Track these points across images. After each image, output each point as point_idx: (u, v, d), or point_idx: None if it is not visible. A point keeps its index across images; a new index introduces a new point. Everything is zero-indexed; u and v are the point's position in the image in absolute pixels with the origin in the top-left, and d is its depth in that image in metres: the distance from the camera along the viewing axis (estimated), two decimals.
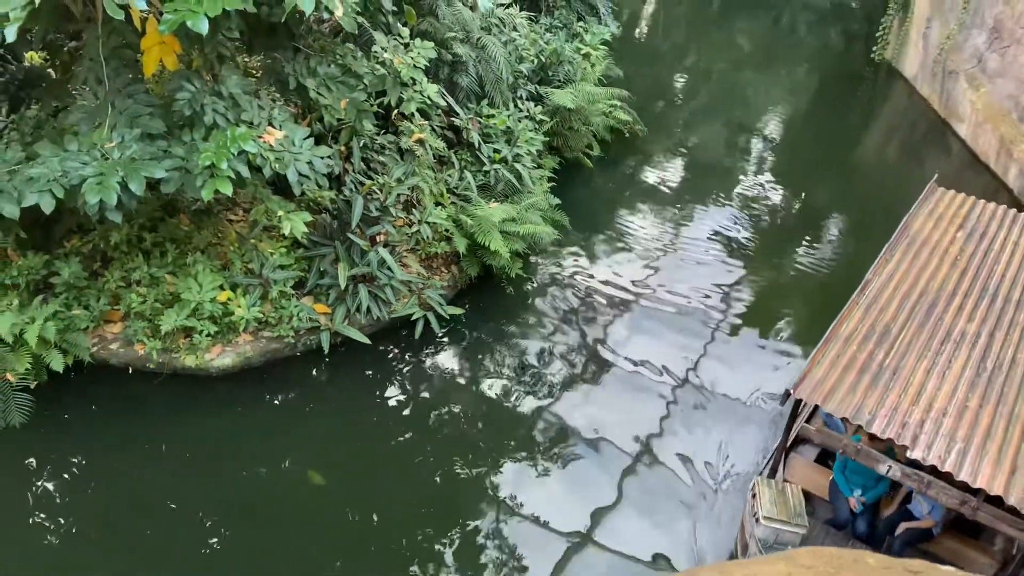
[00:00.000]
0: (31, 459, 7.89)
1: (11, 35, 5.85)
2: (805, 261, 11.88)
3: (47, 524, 7.34)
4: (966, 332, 7.27)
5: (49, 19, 7.50)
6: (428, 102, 9.62)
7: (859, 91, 17.75)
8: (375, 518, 7.69)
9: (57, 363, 8.02)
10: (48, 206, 6.73)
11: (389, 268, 9.28)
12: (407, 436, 8.49)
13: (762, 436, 8.77)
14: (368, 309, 9.11)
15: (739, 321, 10.36)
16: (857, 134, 16.04)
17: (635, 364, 9.54)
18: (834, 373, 6.77)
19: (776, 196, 13.32)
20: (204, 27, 6.36)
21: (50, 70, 9.50)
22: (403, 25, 9.78)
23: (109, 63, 7.19)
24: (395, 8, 8.99)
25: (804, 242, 12.19)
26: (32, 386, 8.01)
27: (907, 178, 14.52)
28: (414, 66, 9.26)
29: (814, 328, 10.24)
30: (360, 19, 8.82)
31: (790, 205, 13.22)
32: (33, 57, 9.88)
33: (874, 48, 17.94)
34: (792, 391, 6.65)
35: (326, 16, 8.33)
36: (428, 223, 9.88)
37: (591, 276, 10.94)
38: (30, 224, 8.08)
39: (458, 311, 9.70)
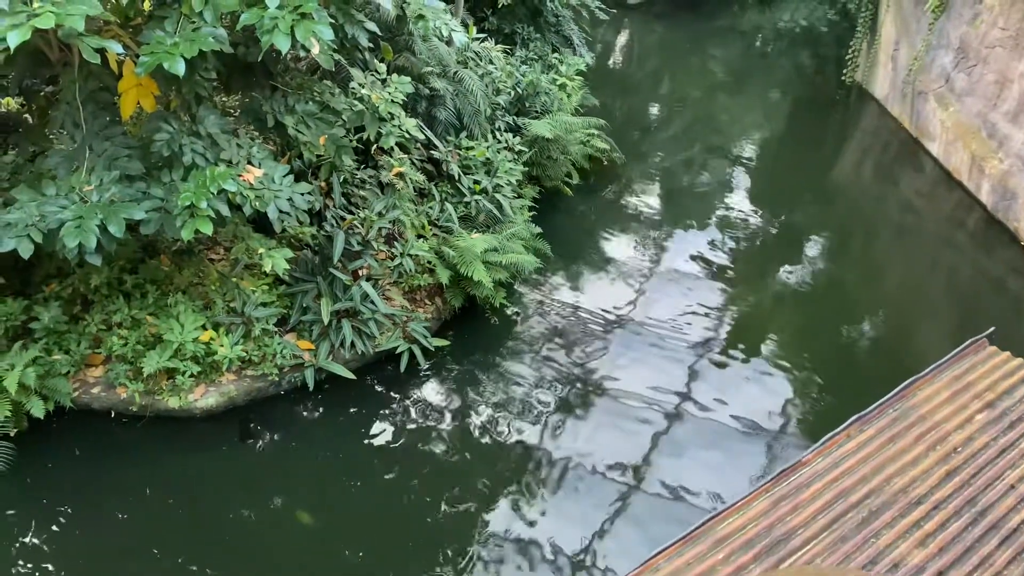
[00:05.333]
0: (12, 508, 7.73)
1: None
2: (786, 282, 11.98)
3: (31, 574, 7.18)
4: (903, 564, 5.02)
5: (25, 65, 7.55)
6: (407, 136, 9.69)
7: (832, 113, 18.06)
8: (365, 556, 7.59)
9: (38, 409, 7.91)
10: (26, 251, 6.68)
11: (372, 302, 9.26)
12: (395, 471, 8.41)
13: (753, 461, 8.75)
14: (352, 344, 9.08)
15: (725, 342, 10.39)
16: (831, 156, 16.29)
17: (622, 390, 9.54)
18: None
19: (755, 219, 13.46)
20: (181, 68, 6.40)
21: (27, 115, 9.51)
22: (380, 61, 9.87)
23: (86, 106, 7.20)
24: (371, 45, 9.07)
25: (784, 263, 12.30)
26: (12, 434, 7.89)
27: (882, 197, 14.74)
28: (392, 101, 9.34)
29: (799, 348, 10.34)
30: (337, 56, 8.89)
31: (769, 227, 13.36)
32: (9, 103, 9.89)
33: (845, 71, 18.29)
34: None
35: (302, 54, 8.41)
36: (410, 256, 9.89)
37: (575, 303, 10.97)
38: (8, 269, 8.03)
39: (443, 343, 9.68)
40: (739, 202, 13.94)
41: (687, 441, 8.91)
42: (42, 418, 7.95)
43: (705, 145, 15.98)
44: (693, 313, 10.89)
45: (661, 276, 11.73)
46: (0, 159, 8.62)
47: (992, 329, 7.06)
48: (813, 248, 12.85)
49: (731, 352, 10.24)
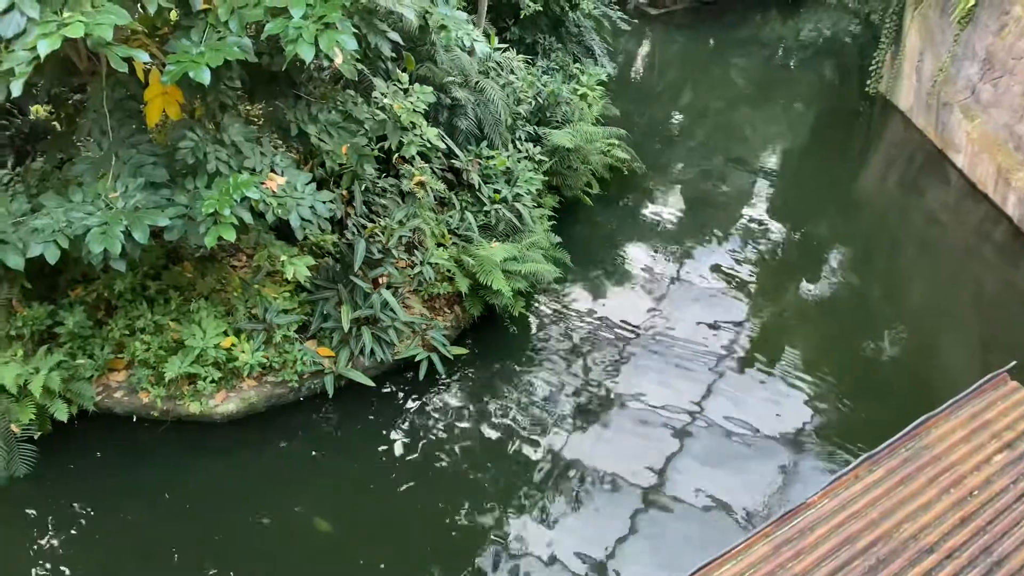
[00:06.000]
0: (35, 510, 7.83)
1: (17, 90, 5.96)
2: (807, 295, 11.87)
3: (50, 575, 7.27)
4: None
5: (54, 73, 7.69)
6: (428, 145, 9.73)
7: (855, 125, 17.92)
8: (382, 565, 7.59)
9: (61, 413, 8.00)
10: (53, 256, 6.78)
11: (392, 310, 9.29)
12: (413, 479, 8.42)
13: (771, 471, 8.67)
14: (372, 351, 9.11)
15: (744, 355, 10.31)
16: (855, 167, 16.15)
17: (641, 400, 9.49)
18: None
19: (776, 230, 13.37)
20: (206, 77, 6.47)
21: (55, 123, 9.65)
22: (402, 71, 9.93)
23: (113, 114, 7.30)
24: (394, 54, 9.14)
25: (806, 276, 12.20)
26: (36, 436, 7.98)
27: (906, 209, 14.60)
28: (414, 110, 9.40)
29: (821, 362, 10.23)
30: (360, 66, 8.96)
31: (790, 239, 13.26)
32: (38, 110, 10.04)
33: (868, 82, 18.14)
34: None
35: (326, 64, 8.48)
36: (430, 264, 9.92)
37: (594, 313, 10.95)
38: (35, 274, 8.14)
39: (462, 351, 9.69)
40: (761, 213, 13.85)
41: (704, 454, 8.84)
42: (65, 421, 8.04)
43: (727, 156, 15.90)
44: (713, 325, 10.82)
45: (681, 287, 11.68)
46: (29, 166, 8.76)
47: (1014, 363, 6.60)
48: (835, 260, 12.73)
49: (751, 365, 10.16)
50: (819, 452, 8.90)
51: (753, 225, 13.42)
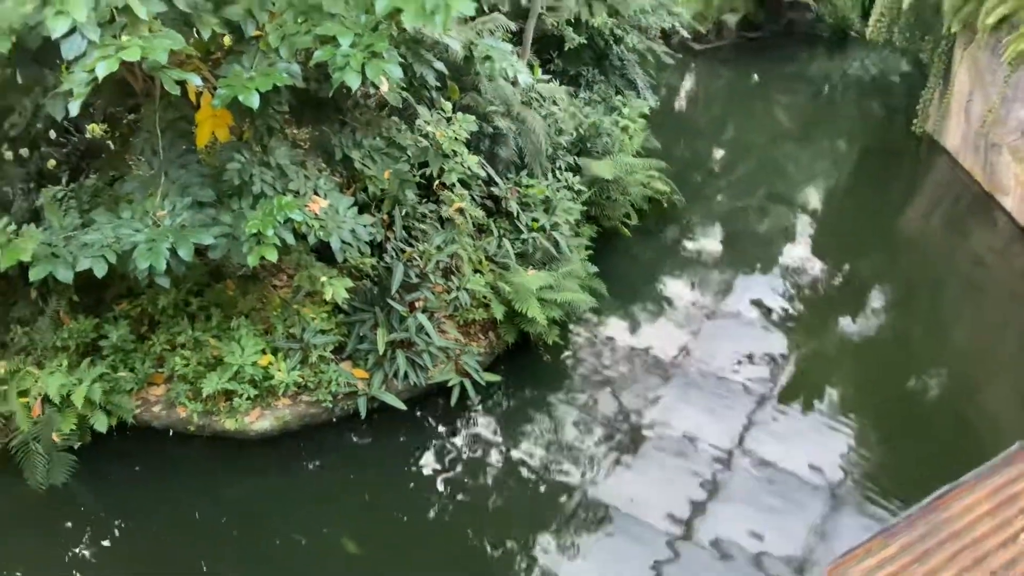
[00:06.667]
0: (71, 519, 7.97)
1: (75, 109, 6.20)
2: (848, 333, 11.66)
3: None
4: None
5: (110, 94, 7.96)
6: (468, 173, 9.85)
7: (901, 164, 17.68)
8: None
9: (101, 424, 8.17)
10: (101, 271, 6.98)
11: (427, 334, 9.35)
12: (441, 505, 8.40)
13: (806, 516, 8.48)
14: (405, 374, 9.16)
15: (782, 392, 10.13)
16: (899, 207, 15.91)
17: (674, 435, 9.37)
18: None
19: (817, 267, 13.19)
20: (255, 101, 6.66)
21: (109, 141, 9.96)
22: (446, 99, 10.08)
23: (165, 135, 7.53)
24: (438, 83, 9.30)
25: (847, 314, 11.99)
26: (76, 446, 8.15)
27: (952, 251, 14.32)
28: (455, 139, 9.53)
29: (859, 403, 10.03)
30: (404, 94, 9.13)
31: (832, 276, 13.08)
32: (94, 129, 10.37)
33: (915, 121, 17.93)
34: None
35: (372, 91, 8.65)
36: (466, 290, 9.97)
37: (629, 344, 10.88)
38: (83, 288, 8.36)
39: (494, 378, 9.69)
40: (802, 250, 13.70)
41: (736, 495, 8.67)
42: (104, 433, 8.19)
43: (768, 191, 15.79)
44: (750, 360, 10.68)
45: (718, 321, 11.56)
46: (83, 182, 9.03)
47: None
48: (877, 300, 12.52)
49: (789, 403, 9.98)
50: (856, 498, 8.68)
51: (794, 261, 13.27)
